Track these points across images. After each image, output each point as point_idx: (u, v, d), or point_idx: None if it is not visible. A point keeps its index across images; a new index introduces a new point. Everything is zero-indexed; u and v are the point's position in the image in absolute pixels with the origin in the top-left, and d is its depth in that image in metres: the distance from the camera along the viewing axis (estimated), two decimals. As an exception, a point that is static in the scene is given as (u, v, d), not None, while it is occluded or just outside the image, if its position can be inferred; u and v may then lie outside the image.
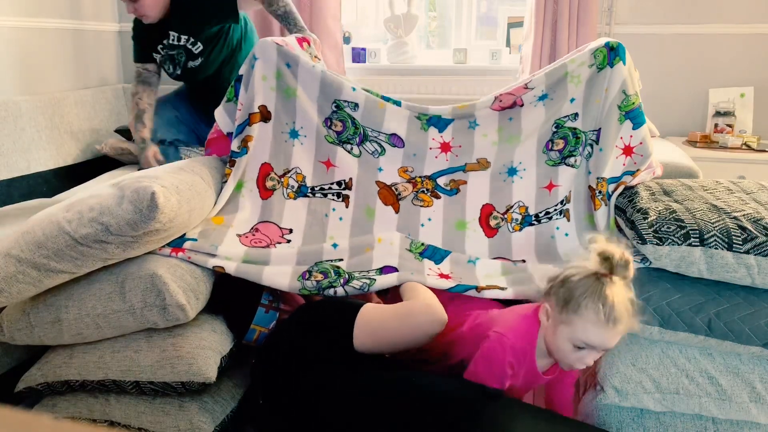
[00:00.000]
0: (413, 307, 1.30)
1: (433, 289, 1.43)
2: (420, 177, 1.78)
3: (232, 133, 1.76)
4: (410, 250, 1.63)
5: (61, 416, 1.39)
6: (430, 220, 1.75)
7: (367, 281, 1.47)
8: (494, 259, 1.69)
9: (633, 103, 1.66)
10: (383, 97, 1.78)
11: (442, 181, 1.78)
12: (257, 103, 1.72)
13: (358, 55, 3.10)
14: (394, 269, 1.52)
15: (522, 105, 1.76)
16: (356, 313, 1.28)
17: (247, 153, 1.70)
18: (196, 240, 1.49)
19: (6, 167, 2.27)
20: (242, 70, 1.75)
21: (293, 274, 1.49)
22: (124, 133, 2.68)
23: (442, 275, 1.55)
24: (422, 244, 1.67)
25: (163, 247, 1.43)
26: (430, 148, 1.76)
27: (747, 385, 1.28)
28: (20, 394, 1.43)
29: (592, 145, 1.71)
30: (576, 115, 1.73)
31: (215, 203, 1.63)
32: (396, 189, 1.77)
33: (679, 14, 2.76)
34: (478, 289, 1.47)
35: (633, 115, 1.66)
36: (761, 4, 2.70)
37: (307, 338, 1.27)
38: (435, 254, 1.65)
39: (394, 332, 1.26)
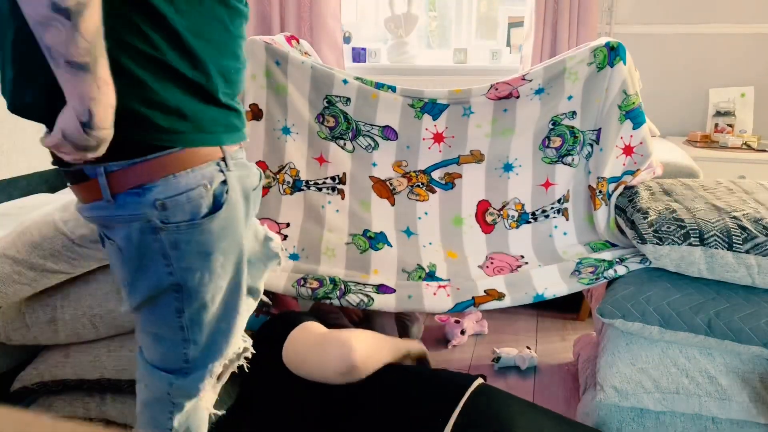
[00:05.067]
0: (332, 336, 1.25)
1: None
2: (414, 171, 1.78)
3: None
4: (409, 278, 1.65)
5: (56, 415, 1.38)
6: (426, 214, 1.75)
7: (365, 298, 1.49)
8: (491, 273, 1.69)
9: (633, 103, 1.65)
10: (377, 85, 1.75)
11: (436, 174, 1.78)
12: (248, 101, 1.72)
13: (358, 55, 3.10)
14: (392, 290, 1.55)
15: (518, 97, 1.75)
16: (291, 330, 1.27)
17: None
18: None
19: (6, 167, 2.27)
20: None
21: (288, 279, 1.49)
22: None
23: (441, 286, 1.56)
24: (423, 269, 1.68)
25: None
26: (423, 139, 1.76)
27: (747, 385, 1.27)
28: (16, 393, 1.42)
29: (592, 145, 1.71)
30: (574, 113, 1.72)
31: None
32: (391, 184, 1.77)
33: (679, 14, 2.75)
34: (476, 303, 1.49)
35: (633, 115, 1.65)
36: (761, 4, 2.69)
37: (260, 347, 1.21)
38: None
39: (304, 357, 1.23)
